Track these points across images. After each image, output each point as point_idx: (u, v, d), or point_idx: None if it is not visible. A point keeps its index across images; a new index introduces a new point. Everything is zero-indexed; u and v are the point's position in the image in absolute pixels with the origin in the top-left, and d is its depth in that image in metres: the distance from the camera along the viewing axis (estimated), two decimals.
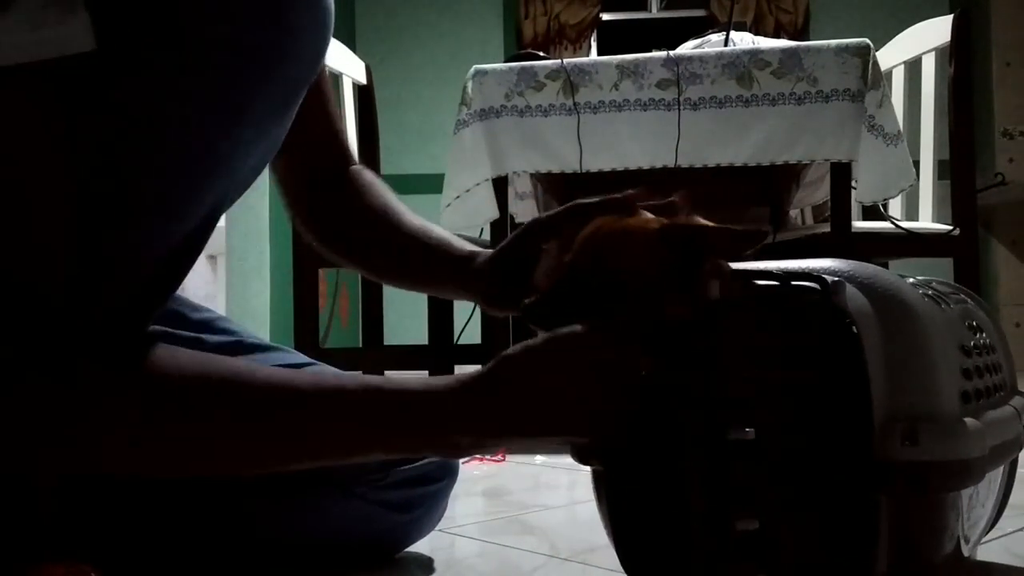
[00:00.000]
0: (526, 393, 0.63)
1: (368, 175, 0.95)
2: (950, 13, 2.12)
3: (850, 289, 0.62)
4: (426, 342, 2.39)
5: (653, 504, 0.69)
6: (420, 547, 0.98)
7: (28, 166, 0.53)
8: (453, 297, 0.89)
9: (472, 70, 2.01)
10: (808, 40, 3.16)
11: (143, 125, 0.55)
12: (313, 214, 0.94)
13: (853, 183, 1.93)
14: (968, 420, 0.62)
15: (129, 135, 0.55)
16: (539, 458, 1.73)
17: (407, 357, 2.46)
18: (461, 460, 0.99)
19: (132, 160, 0.55)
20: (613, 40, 2.28)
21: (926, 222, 2.14)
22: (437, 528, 1.00)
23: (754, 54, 1.90)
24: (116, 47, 0.53)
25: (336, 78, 2.37)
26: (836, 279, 0.61)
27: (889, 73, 2.27)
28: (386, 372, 2.05)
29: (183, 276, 0.63)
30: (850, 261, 0.67)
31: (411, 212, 0.91)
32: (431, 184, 4.21)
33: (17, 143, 0.53)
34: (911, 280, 0.71)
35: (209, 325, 0.90)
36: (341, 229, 0.93)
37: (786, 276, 0.62)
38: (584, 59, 1.99)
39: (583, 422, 0.64)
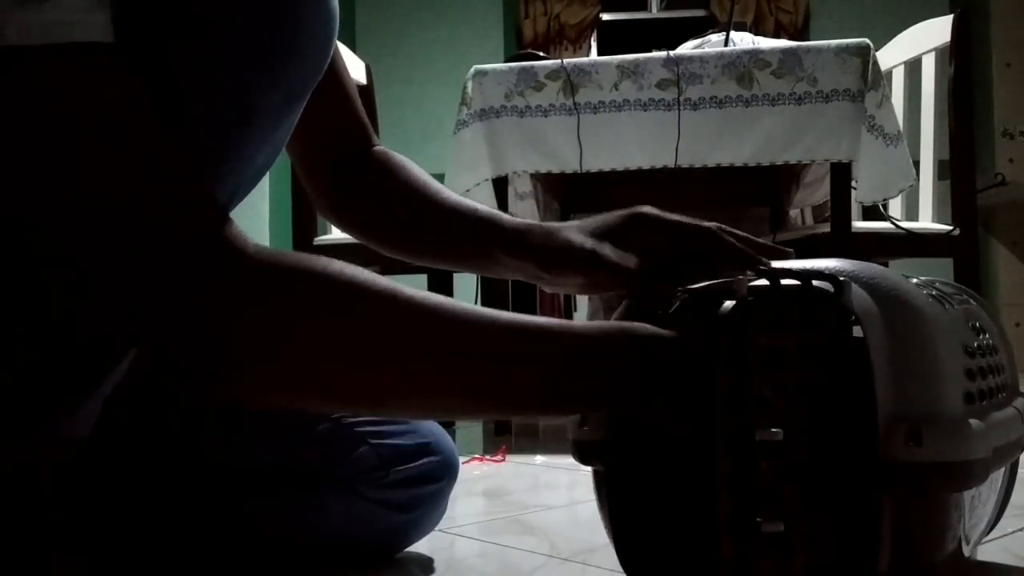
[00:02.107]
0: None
1: (399, 156, 0.94)
2: (950, 13, 2.12)
3: (855, 289, 0.62)
4: None
5: (654, 504, 0.69)
6: (420, 547, 0.98)
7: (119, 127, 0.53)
8: (500, 271, 0.87)
9: (472, 70, 2.01)
10: (808, 40, 3.16)
11: (159, 120, 0.55)
12: (338, 196, 0.92)
13: (853, 183, 1.93)
14: (972, 421, 0.62)
15: (146, 128, 0.55)
16: (539, 458, 1.73)
17: None
18: (461, 460, 0.99)
19: (148, 154, 0.56)
20: (613, 40, 2.28)
21: (926, 222, 2.14)
22: (437, 528, 0.99)
23: (754, 54, 1.90)
24: (134, 41, 0.54)
25: None
26: (841, 279, 0.61)
27: (889, 73, 2.27)
28: None
29: None
30: (854, 261, 0.66)
31: (449, 191, 0.91)
32: None
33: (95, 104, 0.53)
34: (915, 280, 0.70)
35: None
36: (371, 208, 0.91)
37: (805, 276, 0.62)
38: (584, 59, 1.99)
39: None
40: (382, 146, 0.95)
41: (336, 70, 0.89)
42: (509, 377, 0.60)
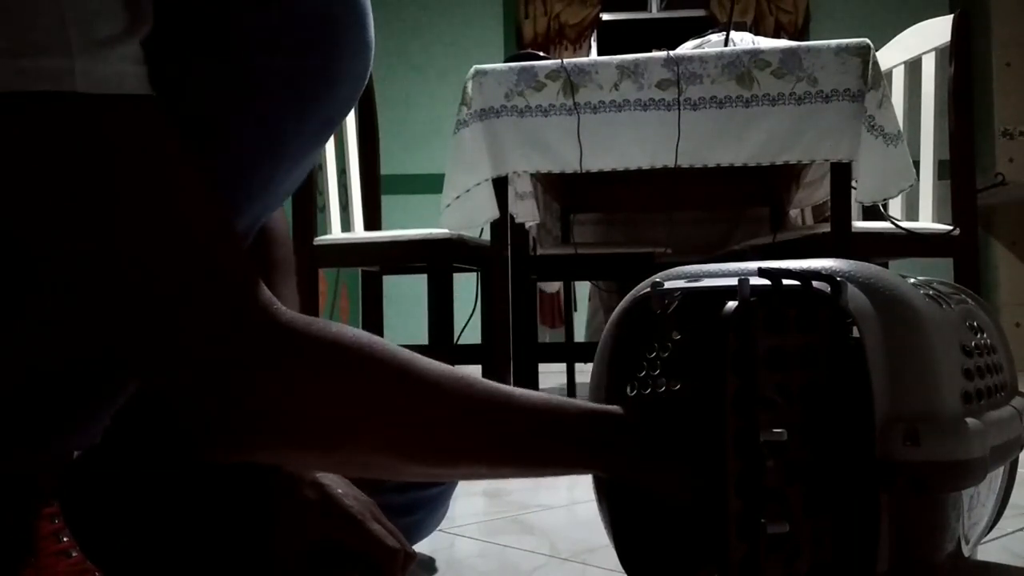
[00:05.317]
0: None
1: (282, 230, 0.93)
2: (950, 13, 2.12)
3: (851, 289, 0.62)
4: (426, 342, 2.39)
5: (654, 504, 0.69)
6: (421, 547, 0.98)
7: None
8: None
9: (472, 70, 2.01)
10: (808, 40, 3.16)
11: (200, 179, 0.56)
12: None
13: (853, 183, 1.93)
14: (969, 420, 0.62)
15: (186, 190, 0.56)
16: None
17: None
18: None
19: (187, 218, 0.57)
20: (613, 40, 2.29)
21: (926, 222, 2.14)
22: (437, 528, 0.99)
23: (754, 54, 1.90)
24: (170, 81, 0.54)
25: None
26: (838, 279, 0.61)
27: (889, 73, 2.27)
28: None
29: None
30: (851, 261, 0.66)
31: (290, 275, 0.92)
32: (431, 184, 4.21)
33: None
34: (912, 280, 0.71)
35: None
36: None
37: (805, 276, 0.62)
38: (584, 59, 1.99)
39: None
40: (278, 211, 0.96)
41: None
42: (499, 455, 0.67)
